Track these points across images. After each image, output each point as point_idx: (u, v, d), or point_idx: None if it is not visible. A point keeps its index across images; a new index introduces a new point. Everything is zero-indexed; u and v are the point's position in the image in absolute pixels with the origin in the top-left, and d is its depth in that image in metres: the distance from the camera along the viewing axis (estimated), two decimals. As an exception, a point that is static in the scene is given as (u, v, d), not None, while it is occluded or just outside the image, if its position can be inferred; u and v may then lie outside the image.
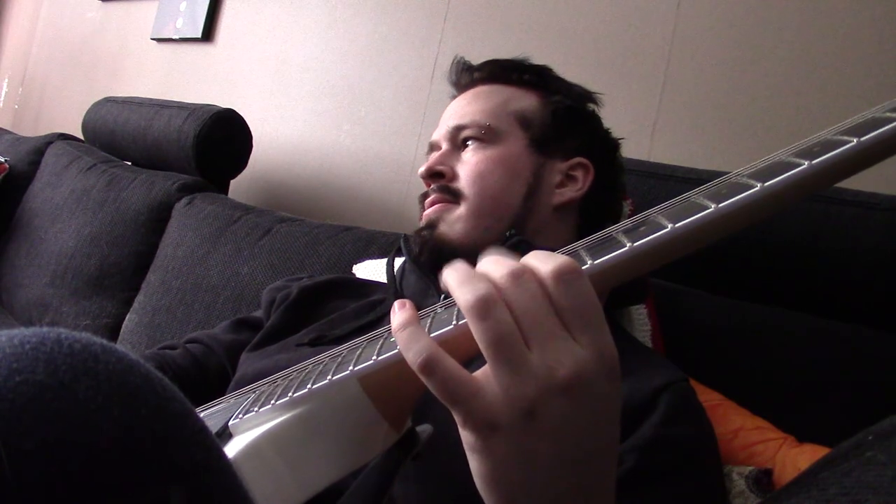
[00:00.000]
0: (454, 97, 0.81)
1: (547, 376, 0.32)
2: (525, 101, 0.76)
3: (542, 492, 0.33)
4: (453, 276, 0.34)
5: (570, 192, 0.73)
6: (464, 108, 0.76)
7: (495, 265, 0.34)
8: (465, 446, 0.34)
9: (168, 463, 0.27)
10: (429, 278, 0.71)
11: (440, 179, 0.74)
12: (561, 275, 0.33)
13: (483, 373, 0.33)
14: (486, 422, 0.32)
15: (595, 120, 0.79)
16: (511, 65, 0.78)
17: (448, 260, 0.74)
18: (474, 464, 0.34)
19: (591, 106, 0.79)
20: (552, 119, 0.75)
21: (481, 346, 0.32)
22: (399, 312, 0.36)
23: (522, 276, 0.33)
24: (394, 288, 0.76)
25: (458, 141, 0.75)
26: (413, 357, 0.33)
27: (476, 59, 0.82)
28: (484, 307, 0.32)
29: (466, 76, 0.80)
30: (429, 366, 0.33)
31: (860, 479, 0.32)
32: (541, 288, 0.33)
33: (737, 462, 0.69)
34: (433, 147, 0.78)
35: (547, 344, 0.32)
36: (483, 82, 0.79)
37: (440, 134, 0.77)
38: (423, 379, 0.33)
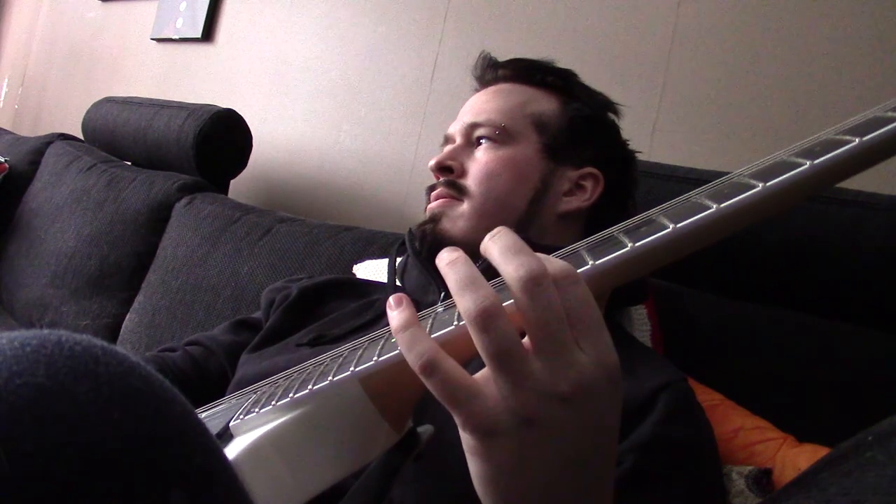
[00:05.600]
0: (477, 90, 0.81)
1: (549, 387, 0.31)
2: (544, 104, 0.75)
3: (540, 495, 0.33)
4: (454, 276, 0.34)
5: (577, 202, 0.73)
6: (482, 105, 0.76)
7: (511, 263, 0.33)
8: (465, 449, 0.34)
9: (169, 466, 0.27)
10: (430, 274, 0.71)
11: (449, 174, 0.74)
12: (558, 280, 0.32)
13: (484, 376, 0.33)
14: (485, 426, 0.32)
15: (613, 131, 0.78)
16: (536, 66, 0.78)
17: None
18: (473, 467, 0.34)
19: (611, 116, 0.78)
20: (569, 126, 0.74)
21: (482, 356, 0.32)
22: (397, 312, 0.35)
23: (541, 284, 0.32)
24: (393, 285, 0.76)
25: (472, 137, 0.75)
26: (414, 358, 0.33)
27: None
28: (486, 319, 0.31)
29: (490, 72, 0.80)
30: (429, 367, 0.32)
31: (860, 479, 0.32)
32: (558, 296, 0.32)
33: (737, 462, 0.69)
34: (447, 139, 0.78)
35: (555, 354, 0.32)
36: (506, 80, 0.78)
37: (455, 128, 0.77)
38: (423, 380, 0.33)
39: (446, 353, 0.34)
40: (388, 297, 0.38)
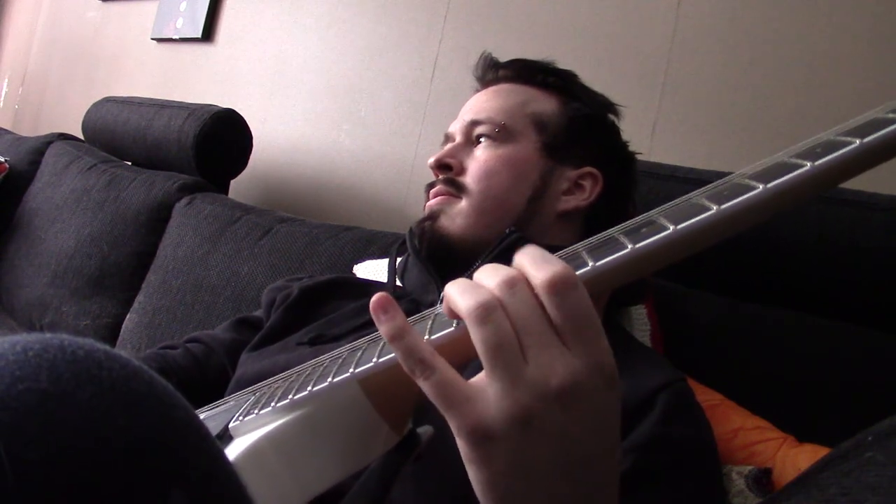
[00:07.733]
0: (477, 90, 0.81)
1: (541, 385, 0.32)
2: (544, 104, 0.76)
3: (540, 498, 0.33)
4: (455, 287, 0.35)
5: (576, 201, 0.73)
6: (482, 104, 0.76)
7: (489, 274, 0.35)
8: (462, 455, 0.34)
9: (170, 469, 0.27)
10: (430, 273, 0.71)
11: (448, 172, 0.74)
12: (554, 285, 0.32)
13: (479, 380, 0.33)
14: (480, 429, 0.32)
15: (612, 131, 0.78)
16: (536, 66, 0.78)
17: (446, 253, 0.74)
18: (472, 474, 0.34)
19: (611, 117, 0.78)
20: (568, 125, 0.75)
21: (479, 352, 0.32)
22: (387, 318, 0.35)
23: (516, 285, 0.33)
24: (393, 285, 0.76)
25: (471, 136, 0.76)
26: (409, 363, 0.34)
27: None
28: (484, 312, 0.32)
29: (491, 72, 0.80)
30: (424, 371, 0.33)
31: (860, 479, 0.32)
32: (533, 296, 0.33)
33: (737, 462, 0.69)
34: (448, 138, 0.78)
35: (540, 353, 0.32)
36: (506, 80, 0.79)
37: (456, 126, 0.77)
38: (418, 383, 0.34)
39: (445, 355, 0.34)
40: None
